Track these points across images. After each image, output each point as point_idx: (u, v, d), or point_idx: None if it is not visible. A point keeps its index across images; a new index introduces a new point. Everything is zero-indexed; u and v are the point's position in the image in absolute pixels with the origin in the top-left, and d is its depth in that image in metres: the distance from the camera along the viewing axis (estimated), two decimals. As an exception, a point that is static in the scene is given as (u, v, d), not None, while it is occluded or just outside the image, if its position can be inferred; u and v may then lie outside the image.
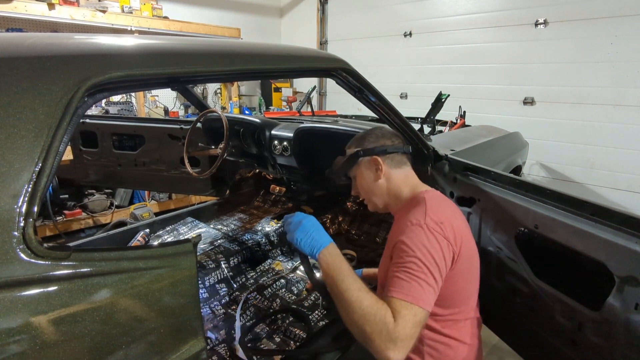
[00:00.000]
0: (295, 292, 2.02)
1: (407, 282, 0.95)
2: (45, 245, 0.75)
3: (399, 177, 1.25)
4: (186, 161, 2.20)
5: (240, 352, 1.53)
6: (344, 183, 1.40)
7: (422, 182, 1.30)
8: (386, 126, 1.44)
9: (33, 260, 0.73)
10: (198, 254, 2.06)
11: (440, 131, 2.89)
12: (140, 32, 3.98)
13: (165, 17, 4.28)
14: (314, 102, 5.73)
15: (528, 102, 3.97)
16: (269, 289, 2.04)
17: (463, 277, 1.11)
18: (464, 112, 3.32)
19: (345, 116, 3.76)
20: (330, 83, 5.91)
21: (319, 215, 2.72)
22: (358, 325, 0.94)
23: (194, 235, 1.04)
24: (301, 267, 2.25)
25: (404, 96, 4.98)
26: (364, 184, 1.30)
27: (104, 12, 3.68)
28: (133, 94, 4.19)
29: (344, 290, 0.97)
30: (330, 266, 1.03)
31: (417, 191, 1.22)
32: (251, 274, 2.18)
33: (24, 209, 0.72)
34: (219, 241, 2.35)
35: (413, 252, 0.99)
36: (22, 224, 0.72)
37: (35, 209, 0.73)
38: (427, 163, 1.73)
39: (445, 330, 1.15)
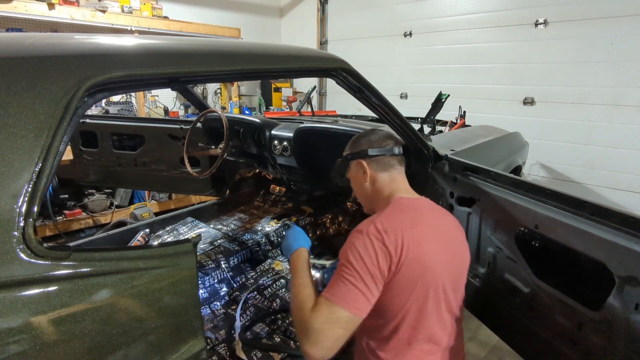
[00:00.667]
0: (295, 292, 2.02)
1: (335, 283, 1.00)
2: (45, 245, 0.75)
3: (383, 180, 1.23)
4: (186, 161, 2.20)
5: (239, 351, 1.53)
6: (346, 185, 1.41)
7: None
8: (384, 127, 1.40)
9: (33, 260, 0.73)
10: (198, 254, 2.06)
11: (440, 131, 2.89)
12: (140, 32, 3.98)
13: (165, 17, 4.28)
14: (314, 102, 5.73)
15: (528, 102, 3.97)
16: (269, 289, 2.04)
17: (402, 290, 1.04)
18: (464, 112, 3.31)
19: (345, 116, 3.76)
20: (330, 83, 5.91)
21: (318, 215, 2.73)
22: (293, 313, 1.04)
23: (194, 235, 1.04)
24: None
25: (404, 96, 4.98)
26: (355, 187, 1.32)
27: (104, 12, 3.68)
28: (133, 94, 4.18)
29: (292, 285, 1.10)
30: (292, 265, 1.17)
31: (393, 196, 1.19)
32: (251, 274, 2.18)
33: (24, 209, 0.72)
34: (219, 241, 2.35)
35: (347, 256, 1.02)
36: (22, 224, 0.72)
37: (35, 209, 0.74)
38: (427, 163, 1.73)
39: (381, 353, 1.09)
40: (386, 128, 1.74)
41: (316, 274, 2.15)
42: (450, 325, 1.15)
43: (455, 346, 1.17)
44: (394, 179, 1.24)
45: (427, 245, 1.06)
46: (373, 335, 1.12)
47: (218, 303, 1.94)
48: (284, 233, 2.48)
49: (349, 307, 0.96)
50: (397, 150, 1.25)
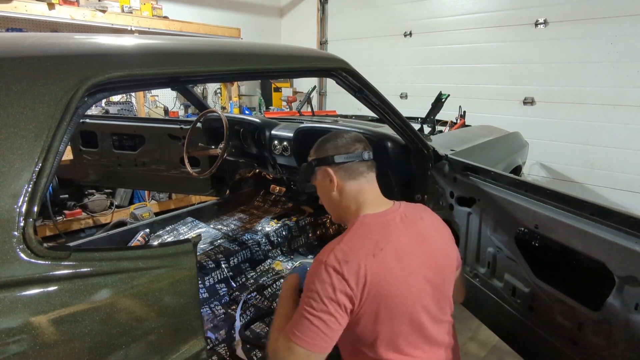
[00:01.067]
0: (295, 292, 2.02)
1: (297, 319, 0.99)
2: (45, 245, 0.75)
3: (351, 190, 1.14)
4: (186, 161, 2.20)
5: (239, 351, 1.53)
6: (312, 191, 1.33)
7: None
8: (349, 131, 1.26)
9: (33, 260, 0.73)
10: (198, 254, 2.06)
11: (440, 131, 2.89)
12: (140, 32, 3.98)
13: (165, 17, 4.28)
14: (314, 102, 5.72)
15: (528, 102, 3.97)
16: (269, 289, 2.04)
17: (368, 320, 1.01)
18: (464, 112, 3.31)
19: (345, 116, 3.76)
20: (330, 83, 5.91)
21: (318, 215, 2.72)
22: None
23: (194, 235, 1.04)
24: None
25: (404, 96, 4.98)
26: (321, 195, 1.23)
27: (104, 12, 3.68)
28: (133, 94, 4.18)
29: (275, 314, 1.14)
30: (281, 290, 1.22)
31: (358, 213, 1.12)
32: (251, 274, 2.18)
33: (24, 209, 0.72)
34: (219, 241, 2.35)
35: (308, 290, 1.00)
36: (22, 224, 0.72)
37: (35, 208, 0.74)
38: (427, 163, 1.74)
39: None
40: (387, 128, 1.74)
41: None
42: (436, 335, 1.11)
43: (444, 353, 1.14)
44: (362, 189, 1.15)
45: (394, 271, 1.01)
46: (353, 349, 1.10)
47: (218, 303, 1.94)
48: (283, 233, 2.48)
49: (307, 345, 0.95)
50: (366, 155, 1.15)
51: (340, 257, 0.98)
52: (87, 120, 2.59)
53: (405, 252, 1.05)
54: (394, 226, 1.09)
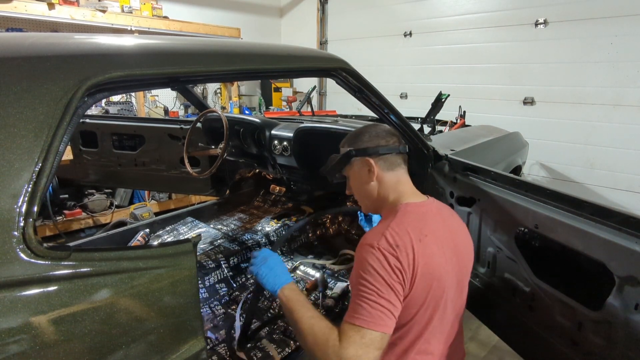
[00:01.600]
0: (295, 292, 2.02)
1: (357, 305, 0.96)
2: (45, 245, 0.75)
3: (390, 180, 1.18)
4: (186, 161, 2.20)
5: (240, 350, 1.53)
6: (337, 181, 1.35)
7: (417, 184, 1.23)
8: (383, 124, 1.35)
9: (33, 260, 0.73)
10: (198, 254, 2.05)
11: (440, 131, 2.89)
12: (140, 32, 3.98)
13: (165, 17, 4.28)
14: (314, 102, 5.73)
15: (528, 102, 3.97)
16: (269, 289, 2.04)
17: (413, 305, 1.02)
18: (464, 112, 3.32)
19: (345, 116, 3.76)
20: (330, 83, 5.91)
21: (319, 215, 2.73)
22: (311, 350, 0.97)
23: (194, 235, 1.04)
24: (301, 267, 2.25)
25: (404, 96, 4.98)
26: (356, 185, 1.25)
27: (103, 12, 3.68)
28: (133, 94, 4.18)
29: (299, 320, 1.03)
30: (291, 300, 1.09)
31: (399, 201, 1.15)
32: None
33: (24, 208, 0.72)
34: (219, 241, 2.35)
35: (362, 275, 0.98)
36: (22, 224, 0.72)
37: (35, 208, 0.74)
38: (427, 163, 1.73)
39: None
40: (382, 126, 1.74)
41: (316, 274, 2.15)
42: (449, 331, 1.14)
43: (452, 351, 1.16)
44: (400, 180, 1.19)
45: (435, 257, 1.04)
46: None
47: (218, 303, 1.94)
48: (283, 233, 2.48)
49: (378, 328, 0.93)
50: (402, 147, 1.20)
51: (392, 240, 1.00)
52: (87, 120, 2.59)
53: (443, 242, 1.09)
54: (432, 216, 1.13)
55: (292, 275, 2.18)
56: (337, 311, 1.80)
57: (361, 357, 0.90)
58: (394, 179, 1.18)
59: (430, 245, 1.04)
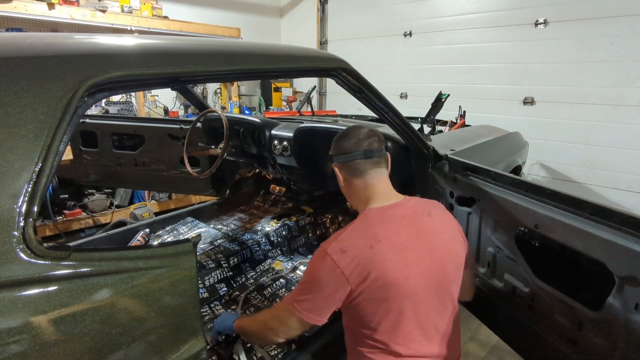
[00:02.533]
0: (295, 292, 2.02)
1: (295, 293, 1.14)
2: (45, 245, 0.75)
3: (358, 186, 1.20)
4: (186, 161, 2.20)
5: (240, 353, 1.53)
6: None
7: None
8: (365, 126, 1.29)
9: (33, 260, 0.73)
10: (198, 254, 2.06)
11: (440, 131, 2.89)
12: (140, 32, 3.98)
13: (165, 17, 4.28)
14: (314, 102, 5.72)
15: (528, 102, 3.97)
16: (269, 289, 2.04)
17: (367, 308, 1.08)
18: (464, 112, 3.31)
19: (345, 116, 3.76)
20: (330, 83, 5.91)
21: (318, 215, 2.73)
22: (264, 334, 1.22)
23: (194, 235, 1.04)
24: (301, 267, 2.26)
25: (404, 96, 4.97)
26: (339, 185, 1.29)
27: (103, 11, 3.68)
28: (133, 93, 4.18)
29: (250, 329, 1.30)
30: (242, 324, 1.34)
31: (365, 206, 1.18)
32: (251, 274, 2.18)
33: (24, 208, 0.72)
34: (219, 241, 2.35)
35: (309, 269, 1.13)
36: (22, 224, 0.72)
37: (35, 208, 0.74)
38: (427, 163, 1.74)
39: (364, 349, 1.13)
40: (387, 128, 1.74)
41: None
42: (435, 329, 1.13)
43: (442, 352, 1.15)
44: (368, 185, 1.19)
45: (389, 262, 1.05)
46: (355, 332, 1.17)
47: (218, 303, 1.94)
48: (283, 233, 2.48)
49: (302, 317, 1.10)
50: (370, 153, 1.18)
51: (340, 246, 1.07)
52: (87, 120, 2.59)
53: (405, 245, 1.10)
54: (395, 220, 1.14)
55: (292, 275, 2.18)
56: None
57: (271, 326, 1.18)
58: (362, 184, 1.20)
59: (383, 250, 1.06)
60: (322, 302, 1.08)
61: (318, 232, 2.66)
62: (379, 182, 1.20)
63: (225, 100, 5.16)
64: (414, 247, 1.10)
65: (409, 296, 1.07)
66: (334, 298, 1.07)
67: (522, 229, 1.36)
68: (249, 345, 1.60)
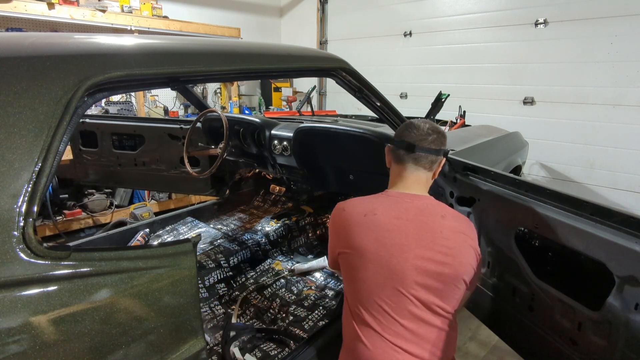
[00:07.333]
0: (295, 291, 2.02)
1: None
2: (45, 245, 0.75)
3: (394, 170, 1.30)
4: (186, 161, 2.20)
5: (237, 353, 1.53)
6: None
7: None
8: (430, 123, 1.29)
9: (33, 260, 0.73)
10: (198, 253, 2.06)
11: (440, 131, 2.88)
12: (140, 32, 3.98)
13: (165, 17, 4.28)
14: (314, 102, 5.72)
15: (528, 102, 3.97)
16: (269, 289, 2.04)
17: (350, 269, 1.19)
18: (464, 112, 3.32)
19: (345, 116, 3.76)
20: (330, 83, 5.91)
21: (318, 215, 2.73)
22: None
23: (194, 235, 1.04)
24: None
25: (404, 96, 4.97)
26: None
27: (103, 11, 3.68)
28: (133, 93, 4.18)
29: None
30: None
31: (390, 188, 1.29)
32: (251, 274, 2.18)
33: (23, 208, 0.72)
34: (219, 241, 2.35)
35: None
36: (22, 224, 0.72)
37: (35, 208, 0.73)
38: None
39: (354, 308, 1.21)
40: (387, 128, 1.74)
41: (320, 277, 2.15)
42: (420, 324, 1.11)
43: (431, 346, 1.13)
44: (401, 174, 1.26)
45: (373, 234, 1.14)
46: (348, 301, 1.25)
47: (218, 303, 1.94)
48: (283, 233, 2.48)
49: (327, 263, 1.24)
50: (412, 147, 1.21)
51: (344, 205, 1.24)
52: (87, 120, 2.59)
53: (394, 227, 1.15)
54: (403, 206, 1.20)
55: (292, 274, 2.18)
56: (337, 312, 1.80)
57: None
58: (396, 171, 1.29)
59: (374, 223, 1.16)
60: (330, 251, 1.28)
61: (318, 232, 2.66)
62: (410, 175, 1.26)
63: (225, 100, 5.16)
64: (405, 233, 1.14)
65: (376, 275, 1.14)
66: (332, 248, 1.26)
67: (522, 229, 1.36)
68: (248, 345, 1.60)
